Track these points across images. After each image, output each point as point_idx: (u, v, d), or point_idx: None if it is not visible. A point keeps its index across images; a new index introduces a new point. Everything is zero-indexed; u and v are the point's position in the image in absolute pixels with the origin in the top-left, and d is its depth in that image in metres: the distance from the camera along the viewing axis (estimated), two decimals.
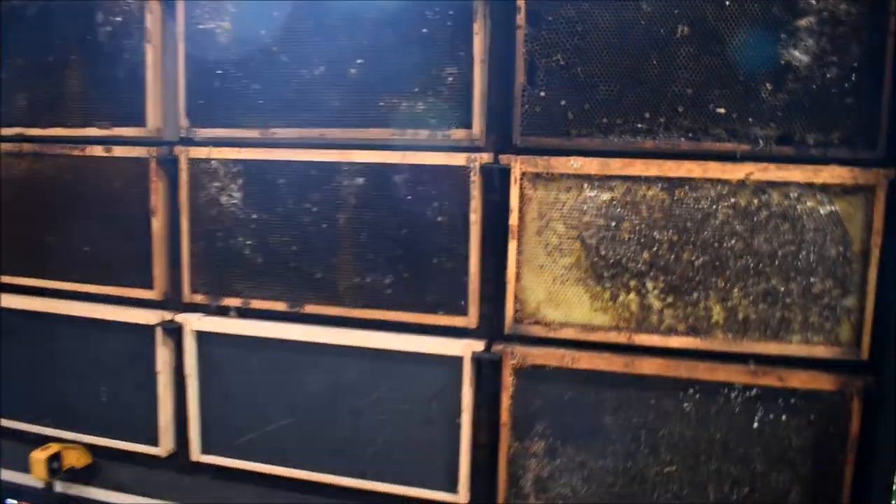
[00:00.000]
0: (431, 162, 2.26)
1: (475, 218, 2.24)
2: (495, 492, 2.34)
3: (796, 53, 1.99)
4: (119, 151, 2.56)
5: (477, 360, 2.28)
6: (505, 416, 2.29)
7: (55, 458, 2.57)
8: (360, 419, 2.44)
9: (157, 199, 2.53)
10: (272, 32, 2.34)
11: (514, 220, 2.20)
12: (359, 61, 2.28)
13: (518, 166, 2.17)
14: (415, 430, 2.39)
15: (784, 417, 2.10)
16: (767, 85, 2.01)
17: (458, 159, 2.23)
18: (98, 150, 2.57)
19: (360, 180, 2.33)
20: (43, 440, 2.75)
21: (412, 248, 2.31)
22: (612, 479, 2.25)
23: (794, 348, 2.08)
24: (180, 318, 2.56)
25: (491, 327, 2.33)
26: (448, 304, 2.31)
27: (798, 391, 2.08)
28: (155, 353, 2.59)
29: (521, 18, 2.13)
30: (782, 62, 1.99)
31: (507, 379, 2.27)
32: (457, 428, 2.33)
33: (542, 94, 2.15)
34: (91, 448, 2.73)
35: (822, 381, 2.06)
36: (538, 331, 2.24)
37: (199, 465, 2.65)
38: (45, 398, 2.78)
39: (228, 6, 2.38)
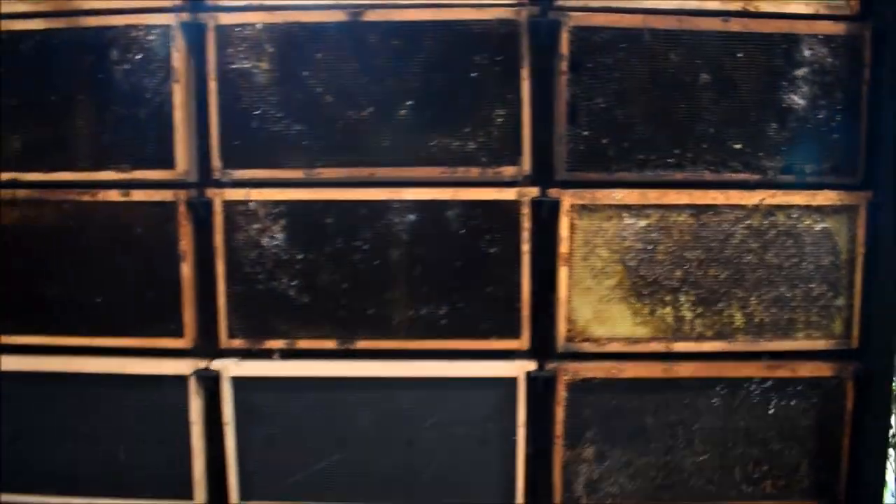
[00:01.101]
0: (483, 197, 2.39)
1: (526, 248, 2.41)
2: (551, 500, 2.53)
3: (795, 98, 2.38)
4: (139, 195, 2.41)
5: (532, 378, 2.45)
6: (559, 428, 2.48)
7: None
8: (413, 447, 2.51)
9: (187, 243, 2.43)
10: (315, 74, 2.35)
11: (564, 247, 2.40)
12: (409, 102, 2.36)
13: (568, 199, 2.38)
14: (470, 452, 2.51)
15: (793, 402, 2.49)
16: (773, 124, 2.39)
17: (508, 194, 2.39)
18: (113, 195, 2.41)
19: (412, 217, 2.40)
20: None
21: (466, 280, 2.43)
22: (654, 472, 2.52)
23: (800, 344, 2.48)
24: (217, 364, 2.47)
25: (538, 348, 2.51)
26: (501, 329, 2.46)
27: (804, 379, 2.48)
28: (188, 403, 2.47)
29: (564, 65, 2.34)
30: (784, 105, 2.38)
31: (561, 393, 2.46)
32: (512, 445, 2.49)
33: (586, 133, 2.37)
34: None
35: (822, 369, 2.48)
36: (588, 347, 2.46)
37: None
38: (54, 464, 2.54)
39: (266, 46, 2.35)
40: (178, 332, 2.48)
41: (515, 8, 2.33)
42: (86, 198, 2.43)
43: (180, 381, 2.48)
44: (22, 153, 2.43)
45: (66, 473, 2.55)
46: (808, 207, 2.42)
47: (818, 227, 2.44)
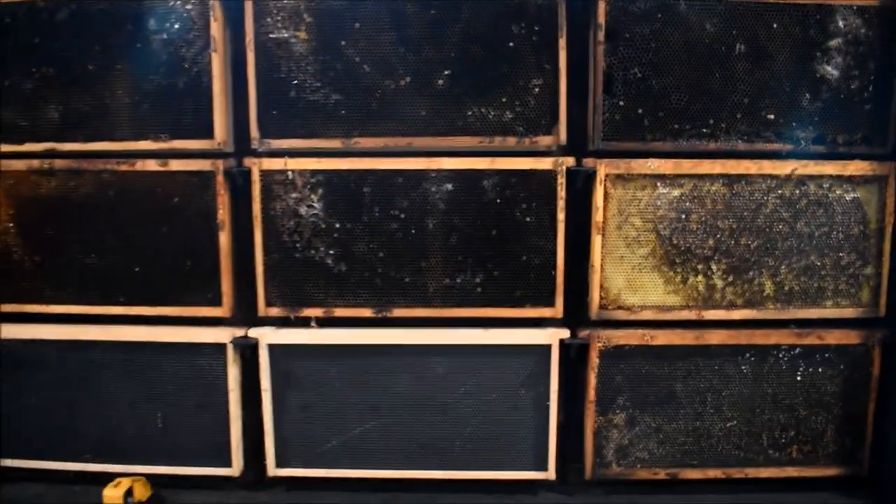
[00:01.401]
0: (520, 167, 2.42)
1: (562, 217, 2.44)
2: (582, 465, 2.58)
3: (828, 68, 2.40)
4: (176, 165, 2.43)
5: (566, 345, 2.49)
6: (591, 393, 2.52)
7: (129, 493, 2.41)
8: (447, 413, 2.56)
9: (225, 212, 2.45)
10: (354, 43, 2.36)
11: (598, 217, 2.43)
12: (446, 72, 2.37)
13: (603, 168, 2.40)
14: (503, 418, 2.56)
15: (821, 370, 2.54)
16: (807, 95, 2.41)
17: (545, 163, 2.42)
18: (152, 165, 2.42)
19: (449, 186, 2.43)
20: (86, 478, 2.58)
21: (501, 248, 2.46)
22: (683, 438, 2.58)
23: (828, 312, 2.53)
24: (254, 332, 2.50)
25: (572, 316, 2.55)
26: (535, 297, 2.49)
27: (832, 347, 2.53)
28: (226, 371, 2.51)
29: (601, 35, 2.35)
30: (818, 76, 2.40)
31: (594, 360, 2.50)
32: (545, 410, 2.54)
33: (622, 103, 2.39)
34: (150, 478, 2.58)
35: (850, 337, 2.53)
36: (621, 315, 2.50)
37: (273, 479, 2.62)
38: (91, 432, 2.58)
39: (305, 16, 2.35)
40: (216, 301, 2.51)
41: None
42: (124, 167, 2.45)
43: (218, 349, 2.52)
44: (60, 123, 2.44)
45: (108, 438, 2.59)
46: (839, 177, 2.45)
47: (849, 196, 2.47)
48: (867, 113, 2.44)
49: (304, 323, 2.54)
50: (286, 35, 2.37)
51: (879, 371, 2.53)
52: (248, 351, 2.53)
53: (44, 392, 2.60)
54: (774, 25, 2.37)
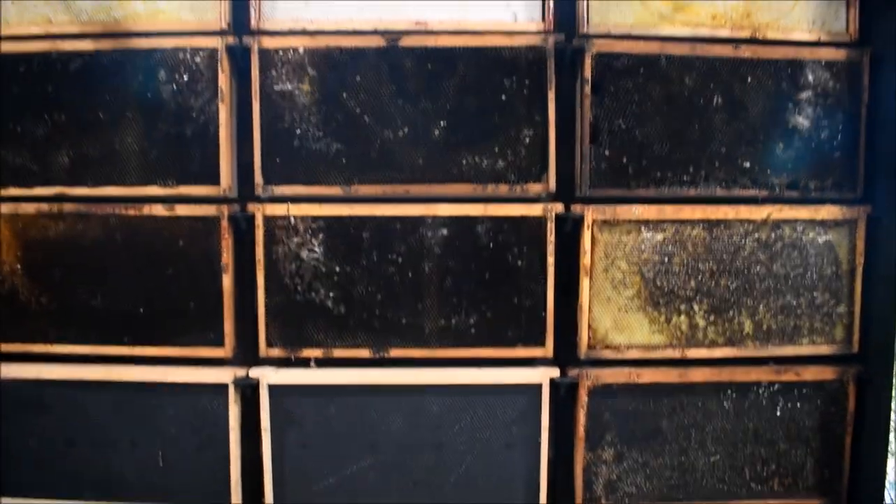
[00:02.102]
0: (511, 213, 2.54)
1: (551, 260, 2.56)
2: (572, 500, 2.66)
3: (800, 119, 2.57)
4: (182, 210, 2.52)
5: (557, 384, 2.59)
6: (581, 430, 2.62)
7: None
8: (442, 451, 2.63)
9: (228, 255, 2.54)
10: (354, 95, 2.49)
11: (586, 260, 2.55)
12: (442, 123, 2.50)
13: (590, 214, 2.53)
14: (496, 455, 2.64)
15: (799, 404, 2.66)
16: (780, 143, 2.57)
17: (535, 210, 2.54)
18: (158, 209, 2.52)
19: (444, 231, 2.54)
20: None
21: (494, 290, 2.57)
22: (669, 473, 2.67)
23: (805, 349, 2.66)
24: (255, 372, 2.58)
25: (561, 355, 2.65)
26: (527, 337, 2.60)
27: (809, 382, 2.65)
28: (227, 410, 2.58)
29: (588, 89, 2.50)
30: (790, 126, 2.57)
31: (583, 398, 2.60)
32: (536, 447, 2.62)
33: (607, 152, 2.53)
34: None
35: (826, 373, 2.65)
36: (608, 354, 2.61)
37: None
38: (92, 470, 2.62)
39: (308, 69, 2.48)
40: (218, 342, 2.59)
41: (542, 35, 2.50)
42: (131, 212, 2.54)
43: (220, 388, 2.58)
44: (70, 168, 2.53)
45: (107, 478, 2.64)
46: (811, 221, 2.60)
47: (821, 239, 2.61)
48: (837, 160, 2.60)
49: (304, 363, 2.62)
50: (290, 87, 2.50)
51: (854, 405, 2.66)
52: (248, 390, 2.60)
53: (46, 430, 2.64)
54: (749, 79, 2.54)
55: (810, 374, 2.65)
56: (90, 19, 2.52)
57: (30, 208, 2.56)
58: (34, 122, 2.53)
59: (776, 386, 2.65)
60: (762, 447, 2.68)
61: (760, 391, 2.65)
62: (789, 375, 2.64)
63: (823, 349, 2.66)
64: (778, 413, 2.66)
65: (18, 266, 2.59)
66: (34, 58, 2.52)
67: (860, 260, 2.62)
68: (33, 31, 2.53)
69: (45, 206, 2.55)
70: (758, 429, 2.67)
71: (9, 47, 2.52)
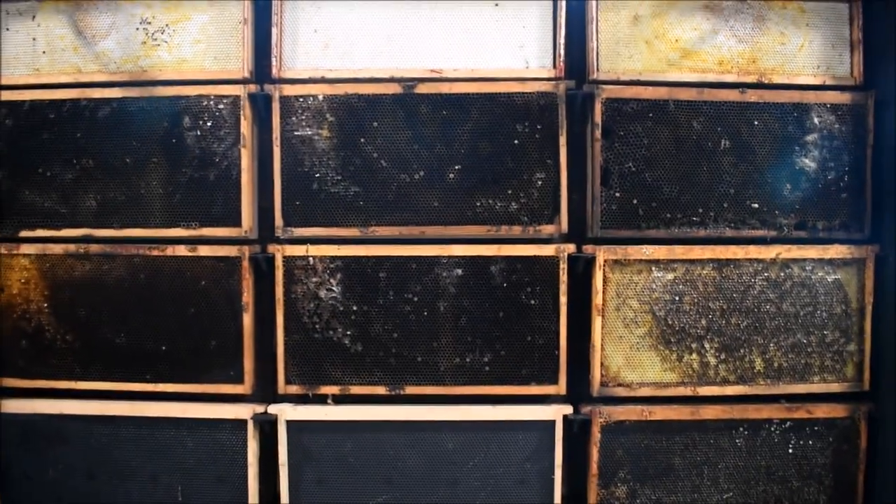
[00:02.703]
0: (524, 253, 2.61)
1: (564, 300, 2.61)
2: None
3: (807, 161, 2.62)
4: (204, 251, 2.60)
5: (570, 421, 2.63)
6: (594, 467, 2.65)
7: None
8: (456, 487, 2.67)
9: (249, 295, 2.61)
10: (372, 140, 2.58)
11: (598, 299, 2.61)
12: (457, 167, 2.58)
13: (602, 255, 2.59)
14: (510, 492, 2.67)
15: (811, 442, 2.68)
16: (788, 185, 2.63)
17: (548, 250, 2.60)
18: (181, 250, 2.60)
19: (459, 271, 2.60)
20: None
21: (508, 329, 2.63)
22: None
23: (816, 387, 2.68)
24: (274, 409, 2.63)
25: (573, 393, 2.69)
26: (540, 375, 2.65)
27: (821, 420, 2.67)
28: (246, 445, 2.63)
29: (598, 133, 2.57)
30: (797, 167, 2.62)
31: (596, 435, 2.64)
32: (550, 484, 2.66)
33: (618, 194, 2.59)
34: None
35: (837, 411, 2.67)
36: (620, 391, 2.65)
37: None
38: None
39: (327, 115, 2.57)
40: (238, 379, 2.65)
41: (554, 82, 2.58)
42: (155, 252, 2.62)
43: (239, 424, 2.64)
44: (97, 211, 2.63)
45: None
46: (820, 260, 2.65)
47: (830, 278, 2.66)
48: (844, 201, 2.65)
49: (322, 400, 2.68)
50: (310, 132, 2.59)
51: (866, 443, 2.68)
52: (267, 426, 2.66)
53: (67, 463, 2.69)
54: (756, 122, 2.61)
55: (822, 411, 2.67)
56: (118, 69, 2.63)
57: (57, 249, 2.65)
58: (63, 167, 2.63)
59: (788, 423, 2.67)
60: (775, 484, 2.70)
61: (772, 429, 2.68)
62: (801, 413, 2.66)
63: (834, 387, 2.69)
64: (790, 450, 2.69)
65: (45, 305, 2.67)
66: (64, 104, 2.62)
67: (869, 299, 2.66)
68: (63, 80, 2.65)
69: (72, 247, 2.64)
70: (770, 466, 2.69)
71: (40, 95, 2.63)
